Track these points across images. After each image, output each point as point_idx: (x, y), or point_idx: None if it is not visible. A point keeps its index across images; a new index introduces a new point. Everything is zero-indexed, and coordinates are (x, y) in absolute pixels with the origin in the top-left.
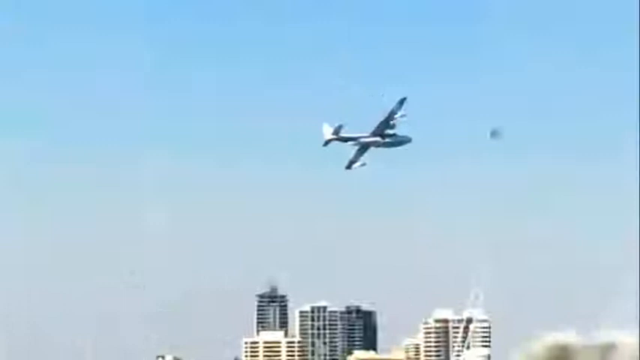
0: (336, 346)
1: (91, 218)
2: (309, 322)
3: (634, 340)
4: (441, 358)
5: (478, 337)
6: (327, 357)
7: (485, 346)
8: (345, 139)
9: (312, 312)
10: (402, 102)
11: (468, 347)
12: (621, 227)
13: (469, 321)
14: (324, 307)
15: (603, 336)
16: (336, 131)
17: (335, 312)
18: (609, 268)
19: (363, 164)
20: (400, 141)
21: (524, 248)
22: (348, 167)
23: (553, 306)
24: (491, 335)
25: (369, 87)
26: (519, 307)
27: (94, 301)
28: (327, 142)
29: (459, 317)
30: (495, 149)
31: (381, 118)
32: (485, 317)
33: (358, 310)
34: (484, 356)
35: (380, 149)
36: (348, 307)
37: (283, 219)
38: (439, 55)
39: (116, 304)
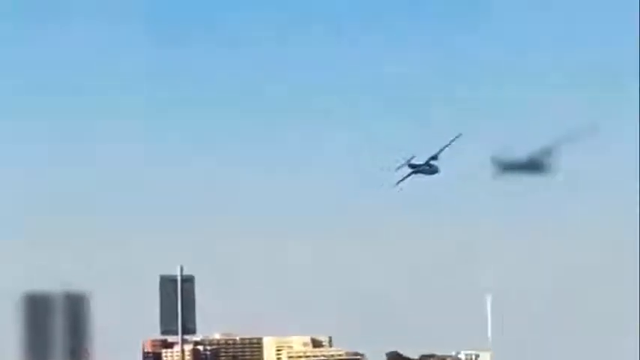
0: None
1: None
2: None
3: None
4: None
5: None
6: None
7: None
8: (411, 166)
9: None
10: (457, 137)
11: None
12: None
13: None
14: None
15: None
16: (408, 160)
17: None
18: None
19: (400, 190)
20: (432, 171)
21: None
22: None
23: None
24: None
25: None
26: None
27: None
28: (398, 168)
29: None
30: None
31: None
32: None
33: None
34: None
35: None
36: None
37: None
38: None
39: None
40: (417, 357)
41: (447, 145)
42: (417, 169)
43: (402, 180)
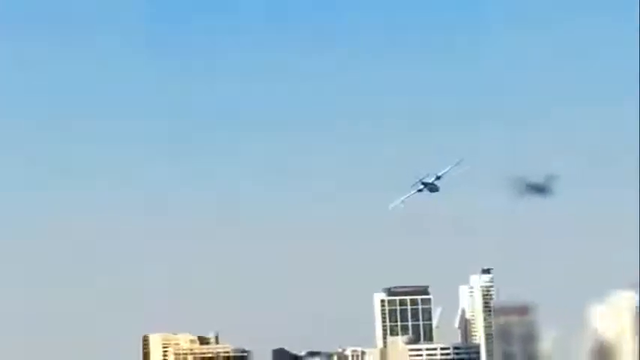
0: None
1: None
2: None
3: None
4: None
5: None
6: None
7: None
8: (424, 184)
9: None
10: (460, 162)
11: None
12: None
13: None
14: None
15: None
16: (422, 178)
17: None
18: None
19: (402, 204)
20: (434, 189)
21: None
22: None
23: None
24: None
25: None
26: None
27: None
28: (413, 185)
29: None
30: None
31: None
32: None
33: None
34: None
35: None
36: None
37: None
38: None
39: None
40: (303, 353)
41: (450, 168)
42: (424, 186)
43: (409, 196)
